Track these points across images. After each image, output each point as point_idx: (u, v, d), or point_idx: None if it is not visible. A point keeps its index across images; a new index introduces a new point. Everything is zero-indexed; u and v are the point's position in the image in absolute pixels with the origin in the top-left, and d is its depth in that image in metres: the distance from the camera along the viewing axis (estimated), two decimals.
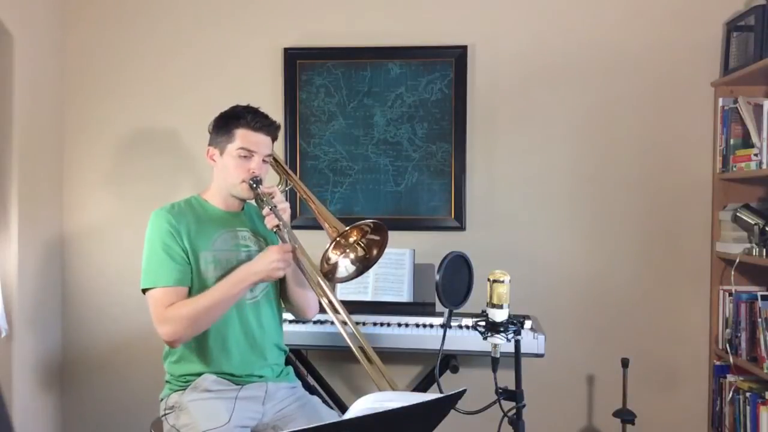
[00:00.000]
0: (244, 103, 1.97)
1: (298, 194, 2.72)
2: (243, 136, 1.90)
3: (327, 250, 1.80)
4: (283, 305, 2.06)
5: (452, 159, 2.80)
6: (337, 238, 1.79)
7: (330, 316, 2.42)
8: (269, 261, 1.82)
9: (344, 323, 1.83)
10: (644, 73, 2.76)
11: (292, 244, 1.85)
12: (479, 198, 2.82)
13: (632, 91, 2.77)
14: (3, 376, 2.53)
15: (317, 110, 2.85)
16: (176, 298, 1.82)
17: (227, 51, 2.88)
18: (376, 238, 1.85)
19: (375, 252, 1.86)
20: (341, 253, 1.86)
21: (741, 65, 2.57)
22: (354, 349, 1.81)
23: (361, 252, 1.86)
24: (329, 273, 1.85)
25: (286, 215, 1.89)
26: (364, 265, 1.87)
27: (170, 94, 2.90)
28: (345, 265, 1.87)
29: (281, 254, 1.82)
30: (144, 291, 1.88)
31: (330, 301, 1.83)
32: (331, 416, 1.96)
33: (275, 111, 2.72)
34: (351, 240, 1.86)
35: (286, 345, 2.10)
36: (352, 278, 1.89)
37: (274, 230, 1.86)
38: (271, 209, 1.85)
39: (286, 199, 1.98)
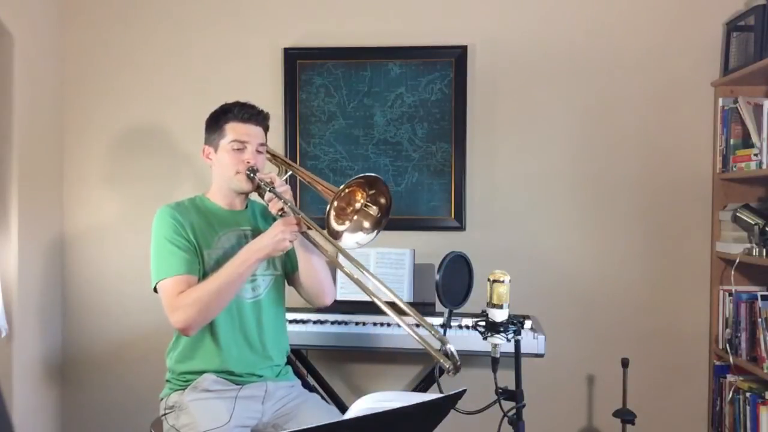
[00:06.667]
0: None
1: (298, 186, 2.75)
2: (233, 129, 1.93)
3: (328, 213, 1.75)
4: (300, 295, 2.06)
5: (452, 159, 2.80)
6: (335, 202, 1.75)
7: (331, 316, 2.46)
8: (274, 234, 1.82)
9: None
10: (644, 73, 2.76)
11: (296, 217, 1.84)
12: (479, 198, 2.82)
13: (632, 91, 2.77)
14: (3, 375, 2.54)
15: (317, 110, 2.85)
16: (186, 287, 1.83)
17: (227, 51, 2.88)
18: (373, 191, 1.82)
19: (384, 200, 1.81)
20: (350, 222, 1.83)
21: (741, 65, 2.57)
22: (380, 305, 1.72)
23: (374, 210, 1.83)
24: (336, 236, 1.80)
25: (288, 197, 1.88)
26: (383, 216, 1.82)
27: (170, 94, 2.90)
28: (357, 238, 1.83)
29: (286, 226, 1.82)
30: (155, 289, 1.88)
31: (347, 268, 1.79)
32: (330, 411, 1.96)
33: (275, 111, 2.71)
34: (358, 205, 1.83)
35: None
36: (379, 232, 1.84)
37: (280, 214, 1.86)
38: (270, 191, 1.85)
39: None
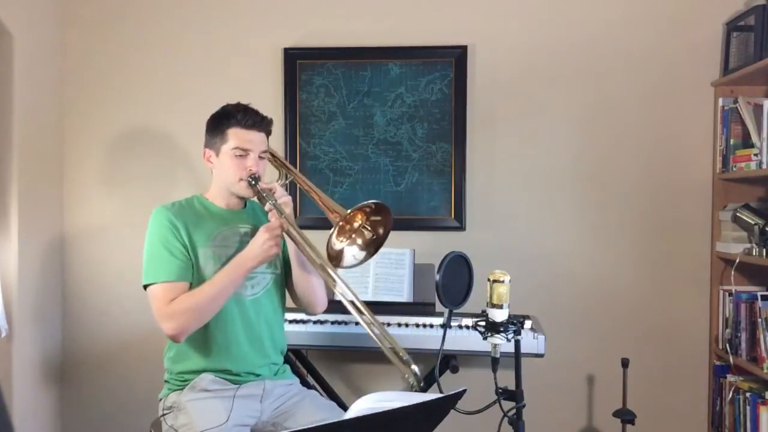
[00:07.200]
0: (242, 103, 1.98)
1: (298, 190, 2.75)
2: (236, 136, 1.91)
3: (331, 236, 1.77)
4: (293, 301, 2.07)
5: (452, 159, 2.80)
6: (340, 222, 1.77)
7: (331, 316, 2.45)
8: (260, 243, 1.84)
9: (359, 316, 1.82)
10: (644, 73, 2.76)
11: (278, 220, 1.85)
12: (479, 198, 2.82)
13: (632, 92, 2.77)
14: (3, 375, 2.54)
15: (317, 110, 2.85)
16: (177, 294, 1.83)
17: (227, 51, 2.88)
18: (379, 218, 1.84)
19: (382, 231, 1.84)
20: (347, 239, 1.84)
21: (741, 65, 2.57)
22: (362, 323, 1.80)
23: (369, 234, 1.85)
24: (336, 259, 1.82)
25: (289, 209, 1.89)
26: (375, 247, 1.85)
27: (170, 94, 2.90)
28: (353, 252, 1.84)
29: (269, 233, 1.84)
30: (145, 287, 1.88)
31: (340, 286, 1.82)
32: (329, 407, 1.96)
33: (275, 111, 2.73)
34: (356, 225, 1.84)
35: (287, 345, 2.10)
36: (364, 261, 1.87)
37: None
38: (273, 204, 1.85)
39: (287, 192, 1.97)
